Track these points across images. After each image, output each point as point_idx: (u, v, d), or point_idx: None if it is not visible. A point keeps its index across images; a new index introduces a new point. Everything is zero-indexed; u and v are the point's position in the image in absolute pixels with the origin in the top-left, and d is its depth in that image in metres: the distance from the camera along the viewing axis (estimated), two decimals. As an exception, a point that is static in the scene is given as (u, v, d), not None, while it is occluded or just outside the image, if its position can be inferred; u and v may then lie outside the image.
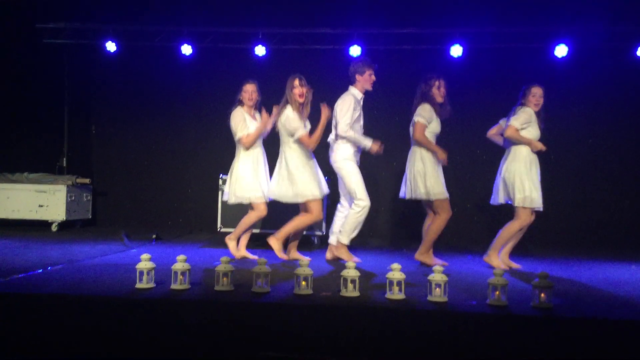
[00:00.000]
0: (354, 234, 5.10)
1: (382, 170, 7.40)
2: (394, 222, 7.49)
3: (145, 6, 7.61)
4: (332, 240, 5.23)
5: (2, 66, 7.92)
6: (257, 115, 5.26)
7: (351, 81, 5.21)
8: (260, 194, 5.15)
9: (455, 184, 7.01)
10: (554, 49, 6.82)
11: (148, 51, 7.64)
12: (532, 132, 4.98)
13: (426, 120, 4.90)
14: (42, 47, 7.56)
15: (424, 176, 4.91)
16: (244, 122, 5.11)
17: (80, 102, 8.03)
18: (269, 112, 5.12)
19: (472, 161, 7.32)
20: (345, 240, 5.08)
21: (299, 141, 5.00)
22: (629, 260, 5.71)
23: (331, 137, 5.22)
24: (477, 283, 4.12)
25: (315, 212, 5.04)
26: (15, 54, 7.71)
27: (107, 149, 7.99)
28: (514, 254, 5.25)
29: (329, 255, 5.23)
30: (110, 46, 7.35)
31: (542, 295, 3.28)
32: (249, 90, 5.18)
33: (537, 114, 5.02)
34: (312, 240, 6.48)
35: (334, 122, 5.17)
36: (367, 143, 5.09)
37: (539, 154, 5.04)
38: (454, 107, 7.33)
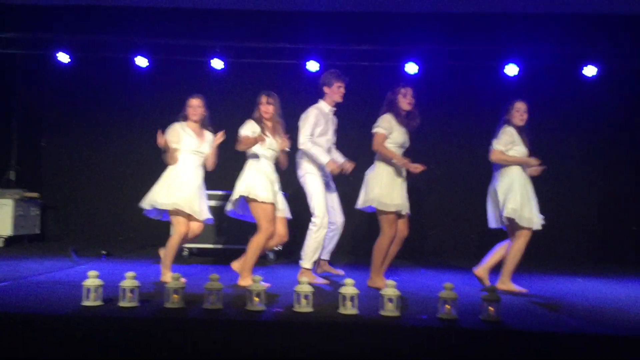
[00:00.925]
0: (316, 256, 4.91)
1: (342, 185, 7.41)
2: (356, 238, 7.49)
3: (99, 17, 7.47)
4: (324, 255, 5.18)
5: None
6: (206, 132, 5.03)
7: (320, 94, 5.15)
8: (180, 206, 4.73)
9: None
10: (504, 67, 7.01)
11: (102, 63, 7.50)
12: (518, 150, 4.77)
13: (385, 130, 4.69)
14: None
15: (371, 184, 4.71)
16: (175, 137, 4.91)
17: (30, 114, 7.81)
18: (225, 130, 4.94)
19: (429, 178, 7.42)
20: (308, 265, 4.87)
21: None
22: (575, 274, 5.87)
23: (298, 152, 5.12)
24: (429, 297, 4.16)
25: (262, 229, 4.66)
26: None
27: (58, 162, 7.78)
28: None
29: (318, 270, 5.17)
30: (63, 57, 7.19)
31: (491, 308, 3.33)
32: (194, 105, 4.98)
33: (521, 129, 4.86)
34: (266, 255, 6.41)
35: (333, 134, 5.18)
36: (323, 160, 4.90)
37: (535, 173, 4.83)
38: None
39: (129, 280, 3.58)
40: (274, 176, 4.78)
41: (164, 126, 7.27)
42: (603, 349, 3.10)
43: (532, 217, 4.66)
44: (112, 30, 7.41)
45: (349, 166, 5.03)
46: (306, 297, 3.54)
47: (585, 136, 7.46)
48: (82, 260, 5.82)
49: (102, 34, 7.34)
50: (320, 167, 5.00)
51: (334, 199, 5.24)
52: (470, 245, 7.30)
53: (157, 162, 7.50)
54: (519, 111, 4.86)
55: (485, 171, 7.33)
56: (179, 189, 4.77)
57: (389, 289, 3.47)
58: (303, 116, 5.06)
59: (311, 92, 7.56)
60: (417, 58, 7.06)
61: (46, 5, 7.36)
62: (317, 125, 4.99)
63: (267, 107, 4.83)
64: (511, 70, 6.97)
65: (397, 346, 3.18)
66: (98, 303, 3.56)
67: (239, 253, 6.43)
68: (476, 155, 7.35)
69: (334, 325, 3.29)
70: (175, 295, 3.58)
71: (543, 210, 6.75)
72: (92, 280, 3.57)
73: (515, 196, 4.64)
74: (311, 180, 4.99)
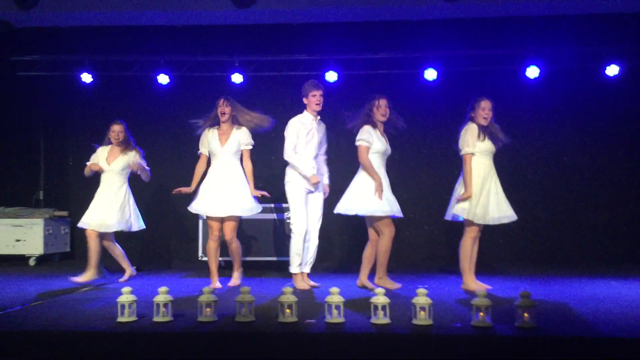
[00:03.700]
0: (298, 261, 5.15)
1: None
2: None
3: (120, 37, 7.62)
4: (306, 269, 5.28)
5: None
6: (131, 152, 5.71)
7: (303, 105, 5.37)
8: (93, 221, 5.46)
9: (431, 204, 7.11)
10: (525, 70, 6.97)
11: (124, 81, 7.62)
12: (481, 146, 4.94)
13: (366, 141, 4.98)
14: (17, 80, 7.50)
15: (356, 190, 5.00)
16: (94, 157, 5.74)
17: (56, 134, 7.95)
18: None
19: (450, 183, 7.39)
20: (294, 270, 5.16)
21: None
22: (607, 276, 5.78)
23: (318, 159, 5.34)
24: (460, 305, 4.14)
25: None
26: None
27: (85, 180, 7.88)
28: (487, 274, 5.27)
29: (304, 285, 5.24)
30: (86, 77, 7.32)
31: (526, 315, 3.30)
32: (116, 131, 5.66)
33: (486, 128, 4.95)
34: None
35: (319, 144, 5.30)
36: (307, 173, 5.13)
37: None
38: (427, 130, 7.45)
39: (162, 296, 3.63)
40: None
41: (187, 141, 7.40)
42: (641, 353, 3.06)
43: (480, 213, 4.86)
44: (133, 50, 7.54)
45: (326, 191, 5.37)
46: (337, 307, 3.54)
47: (609, 136, 7.36)
48: (113, 276, 5.89)
49: (123, 53, 7.49)
50: (304, 177, 5.17)
51: (313, 207, 5.30)
52: (502, 252, 7.24)
53: (180, 178, 7.61)
54: (485, 110, 4.97)
55: (509, 174, 7.32)
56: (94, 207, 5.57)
57: (421, 297, 3.46)
58: (287, 128, 5.25)
59: (329, 103, 7.63)
60: (436, 64, 7.05)
61: (68, 27, 7.50)
62: (299, 136, 5.18)
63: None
64: (532, 72, 6.93)
65: (431, 355, 3.16)
66: (133, 319, 3.61)
67: (269, 265, 6.53)
68: (498, 158, 7.33)
69: (366, 335, 3.29)
70: (208, 309, 3.62)
71: (575, 213, 6.67)
72: (126, 296, 3.62)
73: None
74: (291, 188, 5.19)
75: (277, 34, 7.55)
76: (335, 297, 3.56)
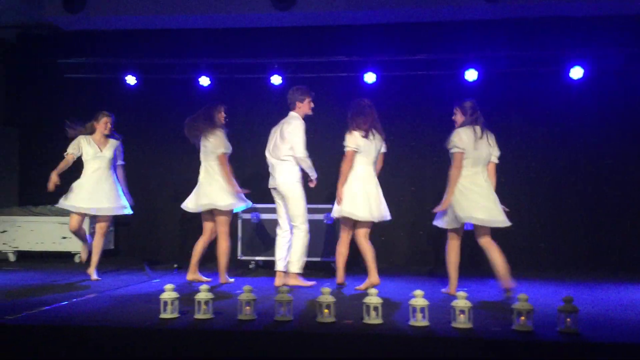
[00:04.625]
0: (304, 260, 5.29)
1: (401, 195, 7.39)
2: (412, 247, 7.47)
3: (163, 40, 7.80)
4: (280, 266, 5.34)
5: (27, 101, 8.17)
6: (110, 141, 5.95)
7: (290, 107, 5.46)
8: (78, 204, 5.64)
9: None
10: (569, 71, 6.83)
11: (166, 83, 7.79)
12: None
13: (352, 147, 5.09)
14: (64, 82, 7.76)
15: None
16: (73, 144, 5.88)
17: (101, 134, 8.16)
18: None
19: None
20: (298, 269, 5.25)
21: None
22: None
23: (274, 158, 5.37)
24: (500, 309, 4.09)
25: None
26: (39, 89, 7.99)
27: (128, 179, 8.09)
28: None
29: (278, 281, 5.32)
30: (130, 79, 7.51)
31: (568, 319, 3.25)
32: (107, 122, 5.91)
33: (473, 129, 4.87)
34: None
35: (274, 144, 5.37)
36: (314, 174, 5.37)
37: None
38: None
39: (204, 293, 3.70)
40: None
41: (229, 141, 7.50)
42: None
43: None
44: (175, 52, 7.70)
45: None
46: (375, 309, 3.55)
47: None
48: (155, 274, 6.03)
49: (165, 56, 7.65)
50: (312, 177, 5.39)
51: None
52: (539, 255, 7.12)
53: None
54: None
55: (554, 178, 7.19)
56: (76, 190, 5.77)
57: (461, 300, 3.44)
58: (292, 127, 5.32)
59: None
60: (477, 64, 6.98)
61: (113, 30, 7.72)
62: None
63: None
64: (576, 73, 6.79)
65: (472, 359, 3.14)
66: (175, 315, 3.69)
67: (311, 265, 6.55)
68: (544, 159, 7.22)
69: (404, 337, 3.29)
70: (248, 307, 3.67)
71: (616, 216, 6.50)
72: (169, 293, 3.71)
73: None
74: (298, 188, 5.31)
75: (316, 36, 7.60)
76: (373, 298, 3.57)
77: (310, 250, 6.59)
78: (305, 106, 5.42)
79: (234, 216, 6.72)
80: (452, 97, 7.21)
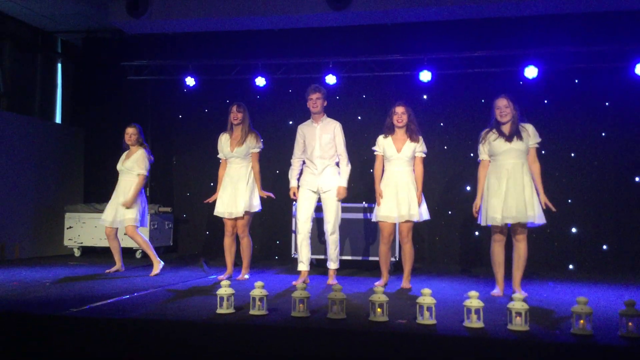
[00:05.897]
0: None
1: (455, 195, 7.29)
2: (466, 248, 7.35)
3: (221, 42, 7.99)
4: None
5: (92, 102, 8.54)
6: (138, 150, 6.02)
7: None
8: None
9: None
10: (634, 67, 6.55)
11: (224, 84, 7.98)
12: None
13: (377, 151, 5.22)
14: (127, 84, 8.06)
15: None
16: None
17: (161, 134, 8.43)
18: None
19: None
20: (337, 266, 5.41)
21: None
22: None
23: (322, 160, 5.32)
24: (558, 311, 3.98)
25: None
26: (103, 91, 8.34)
27: (187, 178, 8.34)
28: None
29: (331, 279, 5.35)
30: (190, 81, 7.72)
31: (630, 324, 3.13)
32: (129, 133, 5.98)
33: (499, 125, 4.76)
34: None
35: (320, 145, 5.31)
36: (291, 182, 5.48)
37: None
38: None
39: (258, 290, 3.77)
40: None
41: (282, 139, 7.60)
42: None
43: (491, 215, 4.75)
44: (233, 54, 7.88)
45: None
46: (429, 309, 3.52)
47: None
48: (212, 270, 6.17)
49: (223, 57, 7.84)
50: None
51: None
52: (603, 257, 6.88)
53: (275, 176, 7.87)
54: (498, 109, 4.79)
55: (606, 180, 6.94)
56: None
57: (517, 302, 3.36)
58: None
59: (422, 102, 7.54)
60: (537, 61, 6.79)
61: (174, 33, 7.97)
62: (298, 143, 5.45)
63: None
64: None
65: (528, 362, 3.07)
66: (231, 311, 3.77)
67: (351, 264, 6.57)
68: (608, 158, 6.95)
69: (458, 338, 3.25)
70: (301, 305, 3.71)
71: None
72: (225, 289, 3.80)
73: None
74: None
75: (371, 35, 7.59)
76: (427, 298, 3.54)
77: (355, 249, 6.59)
78: (308, 105, 5.43)
79: (289, 214, 6.82)
80: (512, 94, 7.10)
